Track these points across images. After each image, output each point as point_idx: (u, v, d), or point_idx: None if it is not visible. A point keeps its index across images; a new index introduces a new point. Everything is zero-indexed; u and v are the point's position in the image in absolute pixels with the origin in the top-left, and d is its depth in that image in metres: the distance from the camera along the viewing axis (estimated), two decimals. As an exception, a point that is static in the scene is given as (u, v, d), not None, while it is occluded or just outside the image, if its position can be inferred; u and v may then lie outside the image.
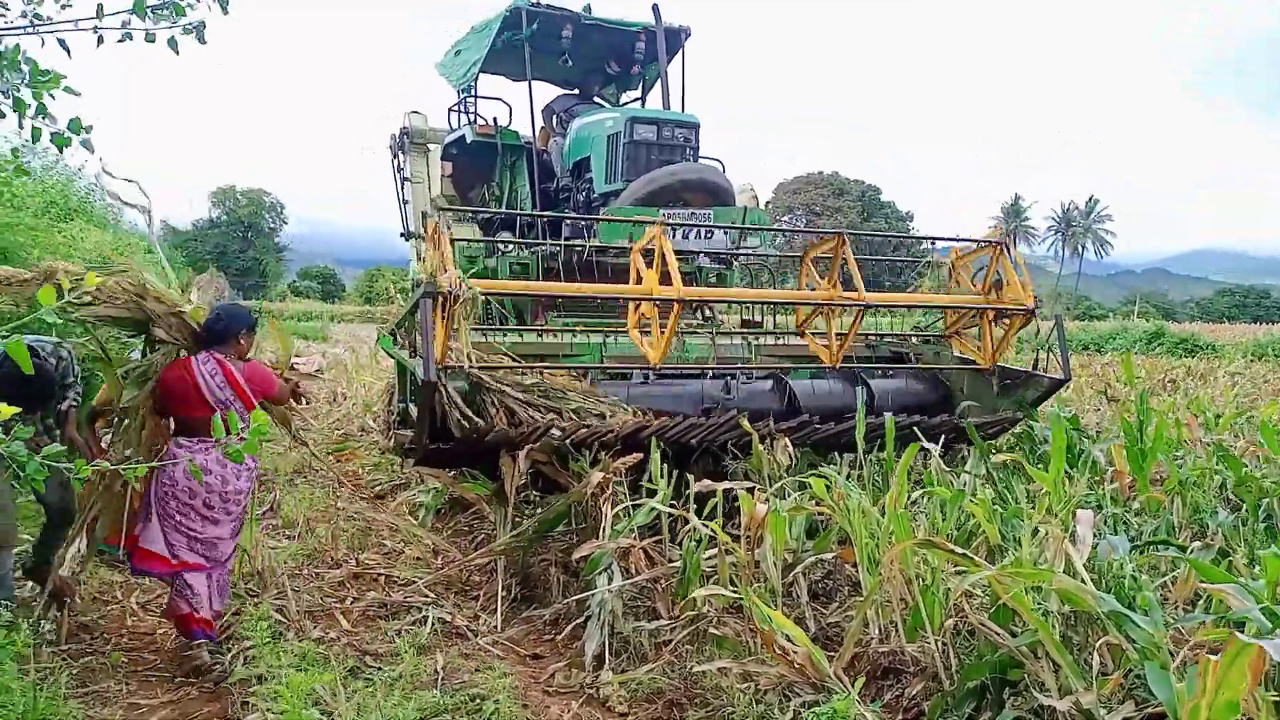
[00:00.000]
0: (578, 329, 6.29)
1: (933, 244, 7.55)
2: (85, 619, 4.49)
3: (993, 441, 6.34)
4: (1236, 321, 48.06)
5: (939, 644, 3.48)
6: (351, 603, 4.90)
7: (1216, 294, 75.77)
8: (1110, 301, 69.55)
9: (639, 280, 5.23)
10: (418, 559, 5.66)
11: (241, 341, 4.22)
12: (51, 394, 4.26)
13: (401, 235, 10.54)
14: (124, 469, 3.13)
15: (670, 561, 4.55)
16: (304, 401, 4.89)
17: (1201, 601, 3.59)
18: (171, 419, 4.25)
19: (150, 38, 2.70)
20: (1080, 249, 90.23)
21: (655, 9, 8.14)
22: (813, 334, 6.03)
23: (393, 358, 6.04)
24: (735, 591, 3.97)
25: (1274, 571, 3.10)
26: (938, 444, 5.36)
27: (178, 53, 2.74)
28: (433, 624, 4.54)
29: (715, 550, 4.31)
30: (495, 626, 4.62)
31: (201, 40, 2.77)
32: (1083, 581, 3.18)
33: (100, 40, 2.67)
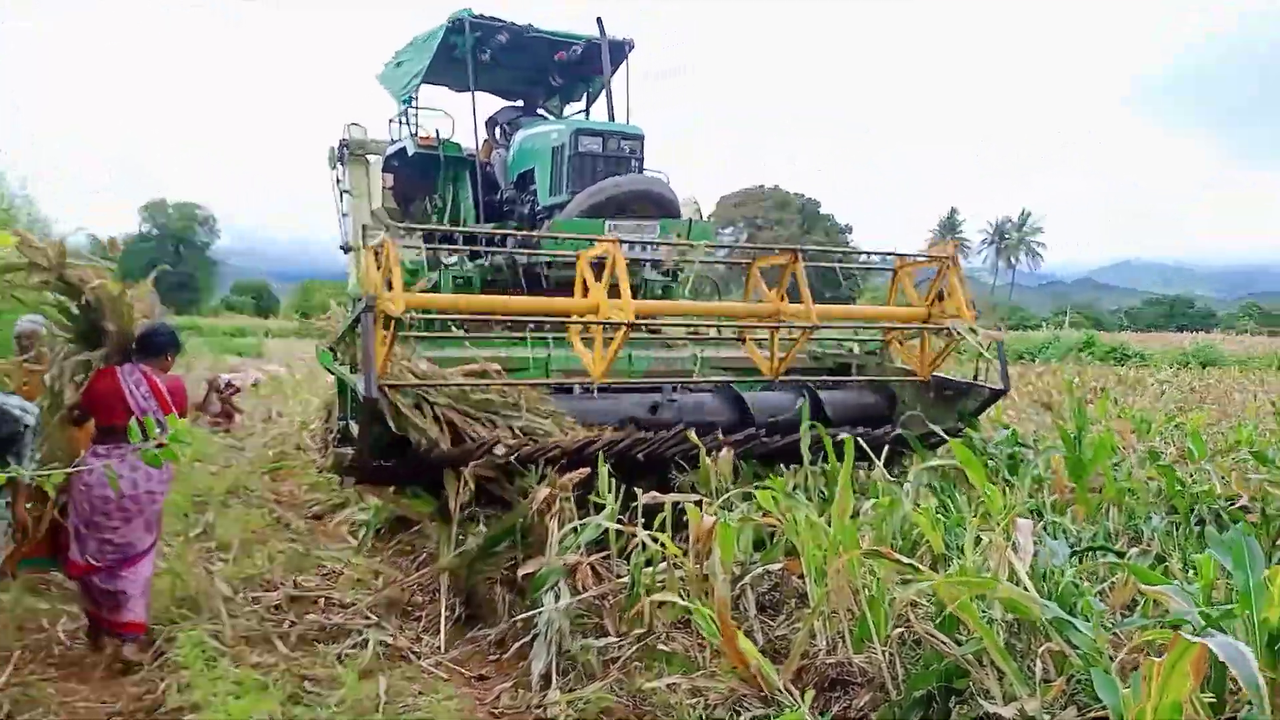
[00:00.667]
0: (526, 335, 6.20)
1: (881, 259, 7.64)
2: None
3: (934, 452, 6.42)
4: (1163, 330, 49.72)
5: (886, 654, 3.50)
6: (290, 626, 4.75)
7: (1144, 304, 78.36)
8: (1043, 311, 71.40)
9: (585, 291, 5.19)
10: (358, 580, 5.52)
11: (169, 358, 4.58)
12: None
13: (341, 248, 10.36)
14: (38, 475, 3.02)
15: (618, 577, 4.50)
16: (233, 419, 5.15)
17: (1140, 606, 3.66)
18: (92, 426, 4.39)
19: None
20: (1013, 260, 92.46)
21: (599, 21, 8.13)
22: (754, 341, 6.06)
23: (333, 374, 5.91)
24: (686, 602, 3.95)
25: (1208, 575, 3.18)
26: (881, 455, 5.41)
27: None
28: (374, 647, 4.42)
29: (664, 564, 4.28)
30: (439, 648, 4.53)
31: None
32: (1025, 589, 3.23)
33: None
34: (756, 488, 4.67)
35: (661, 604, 4.18)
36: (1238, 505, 5.30)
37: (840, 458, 5.24)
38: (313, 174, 10.46)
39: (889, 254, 6.36)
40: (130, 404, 4.21)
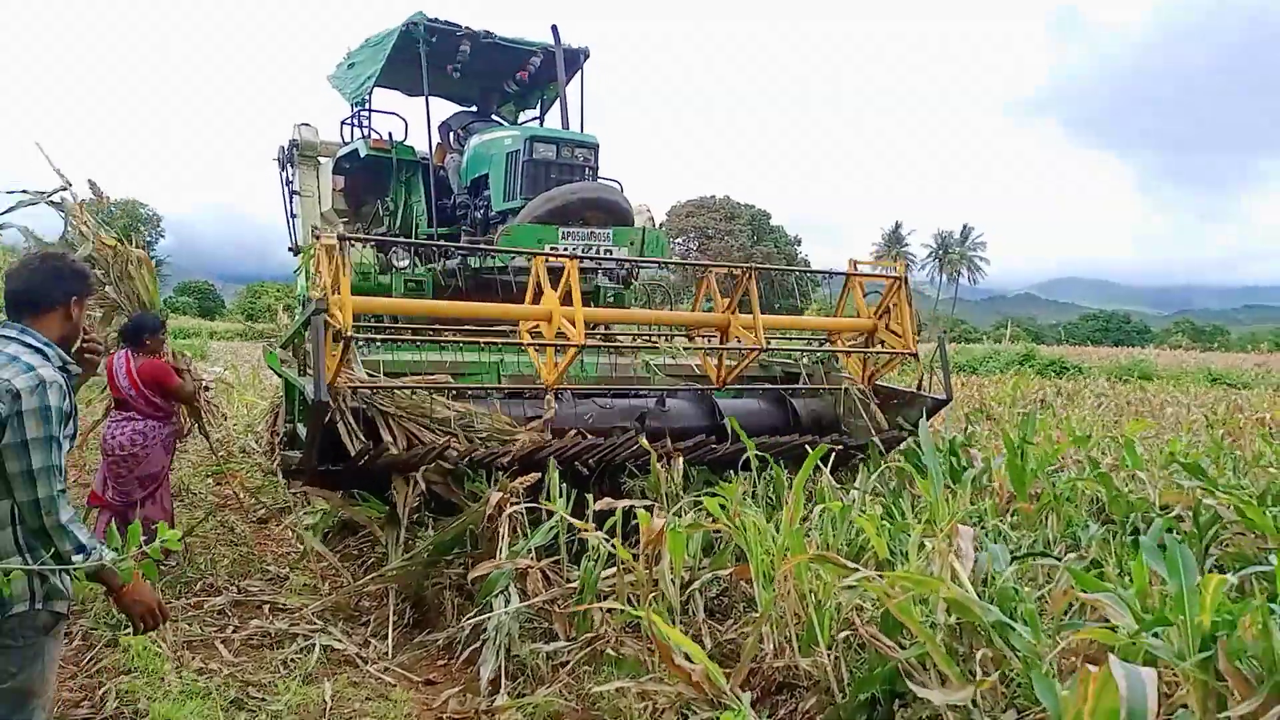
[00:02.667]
0: (478, 340, 6.18)
1: (828, 277, 7.80)
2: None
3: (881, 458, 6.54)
4: (1101, 344, 51.09)
5: (831, 658, 3.56)
6: (233, 632, 4.68)
7: (1081, 318, 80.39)
8: (984, 325, 72.90)
9: (538, 297, 5.21)
10: (305, 585, 5.46)
11: (147, 341, 5.58)
12: None
13: (289, 250, 10.23)
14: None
15: (568, 582, 4.51)
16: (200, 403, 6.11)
17: (1074, 610, 3.77)
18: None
19: None
20: (956, 275, 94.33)
21: (554, 29, 8.16)
22: (704, 351, 6.13)
23: (280, 376, 5.84)
24: (634, 606, 3.97)
25: (1141, 581, 3.29)
26: (828, 462, 5.49)
27: None
28: (320, 652, 4.38)
29: (614, 570, 4.30)
30: (386, 653, 4.49)
31: None
32: (967, 593, 3.31)
33: None
34: (706, 494, 4.71)
35: (611, 608, 4.20)
36: (1171, 514, 5.48)
37: (789, 465, 5.33)
38: (258, 172, 10.32)
39: (843, 273, 6.47)
40: (117, 383, 5.46)
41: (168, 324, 6.23)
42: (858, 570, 3.49)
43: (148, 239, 66.95)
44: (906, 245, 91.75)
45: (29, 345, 2.45)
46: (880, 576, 3.41)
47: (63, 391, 2.41)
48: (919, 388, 6.56)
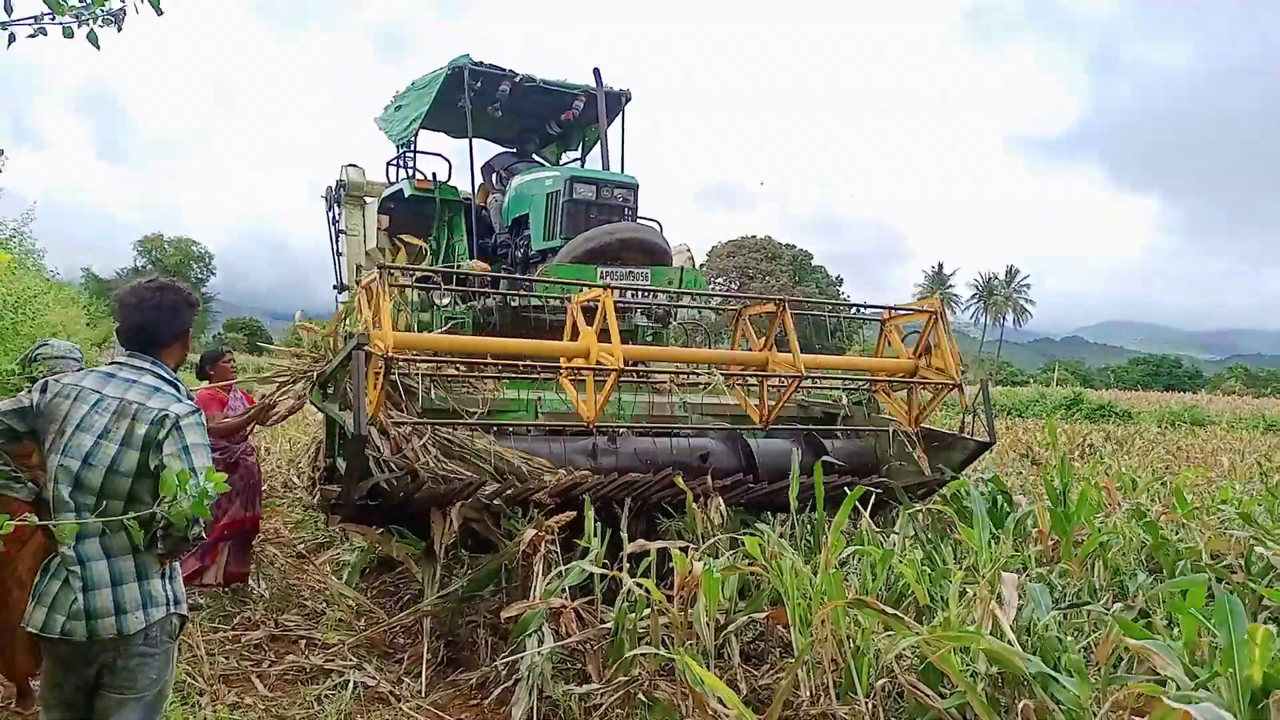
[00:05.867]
0: (513, 374, 6.20)
1: (866, 310, 7.73)
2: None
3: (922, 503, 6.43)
4: (1150, 389, 50.00)
5: (869, 705, 3.48)
6: (269, 666, 4.70)
7: (1130, 363, 78.78)
8: (1030, 368, 71.71)
9: (575, 334, 5.23)
10: (340, 620, 5.47)
11: (210, 372, 5.97)
12: None
13: (334, 287, 10.41)
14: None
15: (602, 623, 4.47)
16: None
17: (1124, 662, 3.65)
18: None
19: (68, 32, 2.64)
20: (1001, 317, 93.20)
21: (596, 72, 8.29)
22: (743, 389, 6.09)
23: (321, 411, 5.90)
24: (669, 649, 3.92)
25: (1190, 632, 3.18)
26: (868, 505, 5.41)
27: (98, 48, 2.67)
28: (354, 689, 4.38)
29: (648, 611, 4.26)
30: (420, 691, 4.47)
31: (119, 28, 2.71)
32: (1009, 643, 3.22)
33: (12, 39, 2.61)
34: (744, 534, 4.66)
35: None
36: (1221, 564, 5.31)
37: (828, 507, 5.25)
38: (305, 213, 10.55)
39: (879, 307, 6.43)
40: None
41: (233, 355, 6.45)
42: (896, 616, 3.42)
43: (198, 276, 68.66)
44: (951, 286, 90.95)
45: (162, 378, 2.64)
46: (920, 623, 3.34)
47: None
48: (961, 430, 6.45)
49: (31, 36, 2.63)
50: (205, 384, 5.84)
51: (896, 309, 6.44)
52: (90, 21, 2.67)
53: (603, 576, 4.66)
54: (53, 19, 2.64)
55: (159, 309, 2.69)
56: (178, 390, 2.63)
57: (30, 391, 2.58)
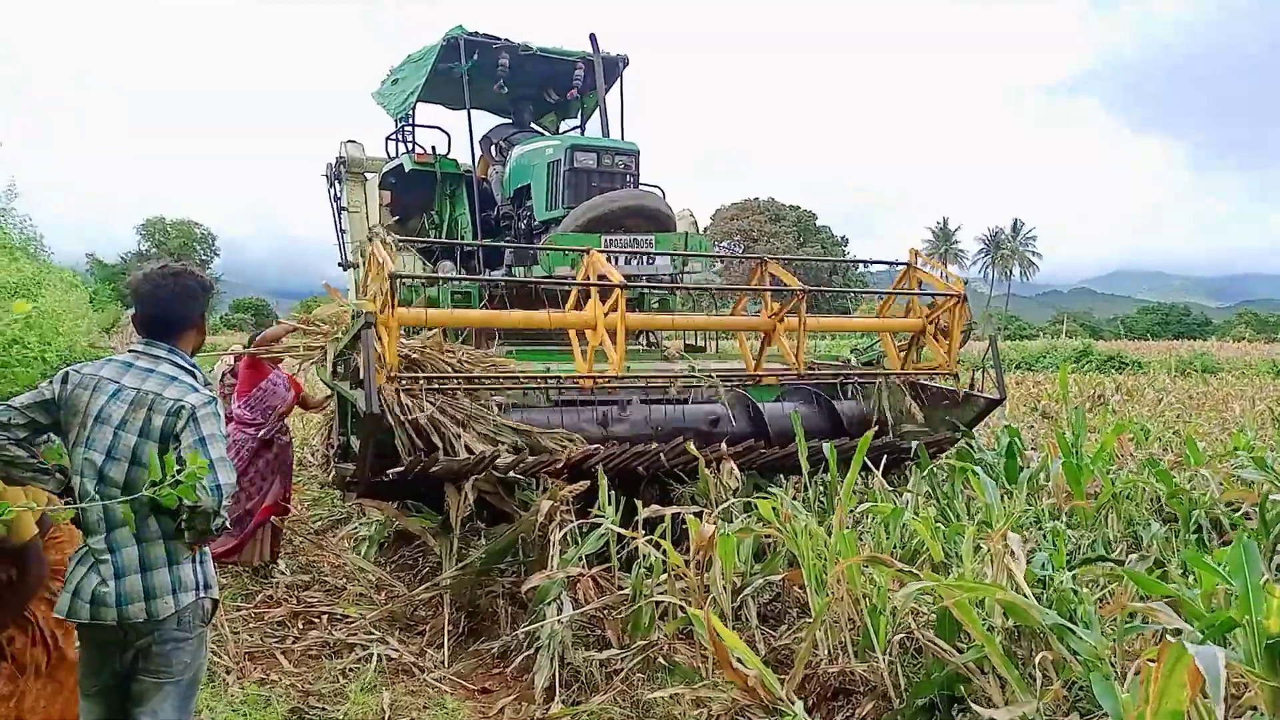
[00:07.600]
0: (525, 348, 6.23)
1: (867, 266, 7.73)
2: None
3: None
4: (1159, 338, 49.80)
5: (887, 662, 3.51)
6: (293, 642, 4.77)
7: (1139, 312, 78.45)
8: (1039, 321, 71.48)
9: (581, 304, 5.24)
10: (361, 595, 5.54)
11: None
12: None
13: (339, 265, 10.40)
14: None
15: (620, 589, 4.52)
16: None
17: (1139, 614, 3.67)
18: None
19: None
20: (1008, 271, 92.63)
21: (592, 37, 8.20)
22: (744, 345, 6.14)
23: (332, 389, 5.93)
24: (688, 608, 3.96)
25: (1209, 583, 3.18)
26: (880, 464, 5.42)
27: None
28: (378, 661, 4.44)
29: (665, 576, 4.30)
30: (443, 661, 4.54)
31: None
32: (1024, 596, 3.24)
33: None
34: (757, 498, 4.69)
35: (663, 615, 4.20)
36: (1237, 511, 5.32)
37: (841, 468, 5.27)
38: (307, 190, 10.52)
39: (865, 261, 6.48)
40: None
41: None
42: (911, 572, 3.44)
43: (203, 258, 68.63)
44: (957, 242, 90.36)
45: (180, 366, 2.63)
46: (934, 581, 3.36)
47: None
48: (971, 387, 6.46)
49: None
50: (241, 348, 5.99)
51: (887, 263, 6.45)
52: None
53: (620, 544, 4.70)
54: None
55: (175, 295, 2.69)
56: (195, 378, 2.63)
57: (51, 382, 2.58)
